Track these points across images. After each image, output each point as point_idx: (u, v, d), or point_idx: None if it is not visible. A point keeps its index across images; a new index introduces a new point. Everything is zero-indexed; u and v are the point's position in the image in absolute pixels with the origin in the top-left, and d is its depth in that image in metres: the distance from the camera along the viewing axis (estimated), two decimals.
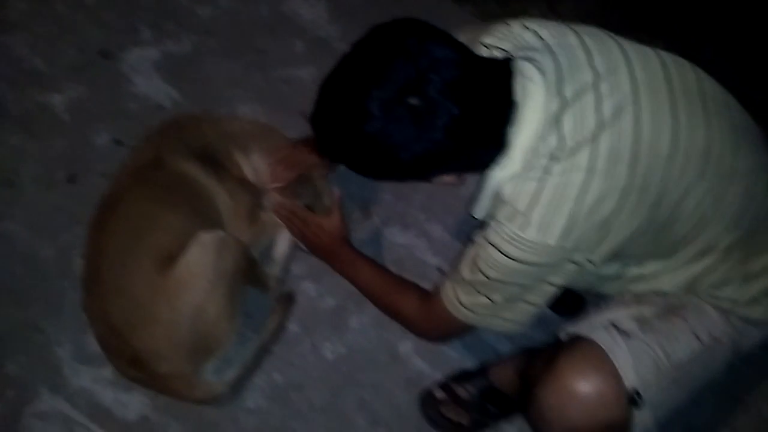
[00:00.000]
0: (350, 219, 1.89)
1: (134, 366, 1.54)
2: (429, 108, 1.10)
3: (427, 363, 1.82)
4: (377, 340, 1.83)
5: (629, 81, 1.21)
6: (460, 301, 1.36)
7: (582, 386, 1.23)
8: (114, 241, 1.57)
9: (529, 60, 1.21)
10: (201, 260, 1.56)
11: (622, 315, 1.35)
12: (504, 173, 1.22)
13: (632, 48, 1.26)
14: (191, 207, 1.68)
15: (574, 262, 1.23)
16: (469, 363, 1.81)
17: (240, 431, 1.66)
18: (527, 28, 1.28)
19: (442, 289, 1.41)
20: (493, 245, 1.23)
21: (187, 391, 1.58)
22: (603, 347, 1.26)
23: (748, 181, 1.29)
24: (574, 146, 1.16)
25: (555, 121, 1.17)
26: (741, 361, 1.44)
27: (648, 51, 1.28)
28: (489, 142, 1.19)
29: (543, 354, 1.49)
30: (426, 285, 1.59)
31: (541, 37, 1.25)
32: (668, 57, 1.29)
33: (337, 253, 1.73)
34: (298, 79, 2.27)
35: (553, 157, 1.17)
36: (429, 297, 1.50)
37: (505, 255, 1.22)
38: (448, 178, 1.26)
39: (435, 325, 1.49)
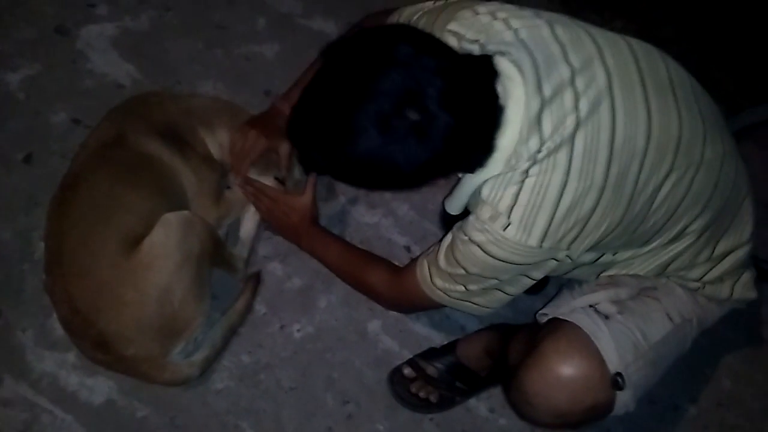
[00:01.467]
0: (317, 198, 1.89)
1: (100, 349, 1.52)
2: (428, 121, 1.07)
3: (395, 341, 1.82)
4: (345, 320, 1.83)
5: (604, 74, 1.21)
6: (434, 283, 1.38)
7: (567, 370, 1.24)
8: (77, 222, 1.53)
9: (505, 55, 1.19)
10: (166, 241, 1.54)
11: (600, 297, 1.37)
12: (484, 174, 1.22)
13: (603, 37, 1.26)
14: (155, 186, 1.65)
15: (554, 260, 1.26)
16: (436, 341, 1.83)
17: (209, 413, 1.65)
18: (496, 18, 1.25)
19: (417, 266, 1.43)
20: (475, 243, 1.25)
21: (154, 373, 1.56)
22: (585, 330, 1.28)
23: (716, 167, 1.32)
24: (553, 147, 1.16)
25: (536, 122, 1.16)
26: (701, 334, 1.48)
27: (618, 40, 1.28)
28: (480, 147, 1.19)
29: (520, 336, 1.51)
30: (394, 263, 1.60)
31: (513, 29, 1.23)
32: (638, 46, 1.29)
33: (307, 232, 1.73)
34: (260, 56, 2.24)
35: (533, 159, 1.17)
36: (400, 271, 1.52)
37: (487, 254, 1.24)
38: (438, 181, 1.27)
39: (404, 298, 1.51)
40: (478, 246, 1.24)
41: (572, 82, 1.18)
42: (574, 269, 1.41)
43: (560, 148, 1.16)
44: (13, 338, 1.64)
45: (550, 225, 1.19)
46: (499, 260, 1.24)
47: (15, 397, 1.58)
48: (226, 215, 1.82)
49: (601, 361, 1.25)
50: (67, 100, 1.99)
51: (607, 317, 1.31)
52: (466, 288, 1.35)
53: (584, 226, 1.21)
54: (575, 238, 1.23)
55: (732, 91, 2.54)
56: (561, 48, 1.21)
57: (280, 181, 1.81)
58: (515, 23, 1.24)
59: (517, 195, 1.19)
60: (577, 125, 1.17)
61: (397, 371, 1.75)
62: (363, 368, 1.78)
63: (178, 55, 2.16)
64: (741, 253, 1.45)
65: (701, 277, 1.42)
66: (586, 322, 1.29)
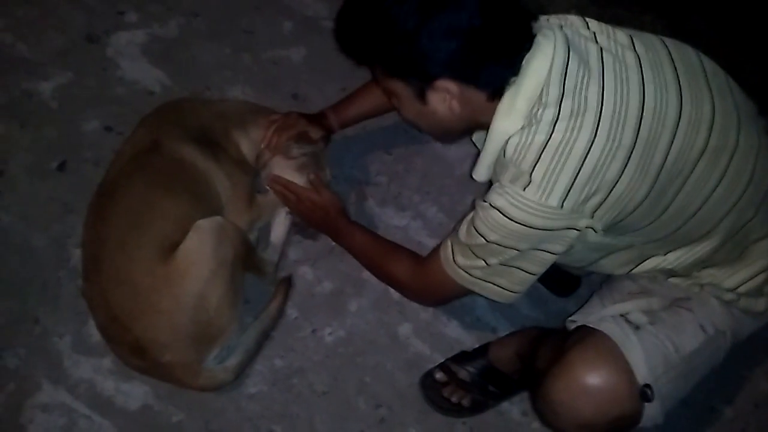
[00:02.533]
0: (346, 200, 1.89)
1: (136, 355, 1.54)
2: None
3: (426, 345, 1.82)
4: (376, 323, 1.83)
5: (633, 54, 1.23)
6: (456, 261, 1.36)
7: (594, 380, 1.22)
8: (113, 229, 1.55)
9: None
10: (200, 248, 1.55)
11: (631, 307, 1.35)
12: (507, 125, 1.22)
13: (636, 33, 1.29)
14: (190, 192, 1.66)
15: (575, 229, 1.22)
16: (468, 344, 1.82)
17: (243, 417, 1.66)
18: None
19: (441, 248, 1.42)
20: (495, 208, 1.23)
21: (189, 379, 1.58)
22: (615, 340, 1.26)
23: (751, 157, 1.30)
24: (579, 106, 1.16)
25: (561, 74, 1.18)
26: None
27: (650, 35, 1.30)
28: (503, 57, 1.20)
29: (549, 341, 1.49)
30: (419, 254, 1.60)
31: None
32: (670, 40, 1.31)
33: (333, 225, 1.74)
34: (287, 60, 2.25)
35: (556, 110, 1.17)
36: (425, 258, 1.51)
37: (506, 217, 1.21)
38: (450, 86, 1.23)
39: (429, 286, 1.49)
40: (499, 210, 1.22)
41: (600, 54, 1.21)
42: (600, 259, 1.40)
43: (587, 107, 1.16)
44: (50, 344, 1.66)
45: (572, 185, 1.16)
46: (518, 223, 1.21)
47: (53, 402, 1.61)
48: (258, 218, 1.83)
49: (630, 373, 1.23)
50: (98, 107, 2.02)
51: (637, 327, 1.29)
52: (486, 263, 1.31)
53: (609, 193, 1.18)
54: (599, 205, 1.20)
55: (763, 85, 2.51)
56: (592, 35, 1.26)
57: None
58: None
59: (540, 152, 1.17)
60: (604, 83, 1.18)
61: (428, 375, 1.75)
62: (395, 372, 1.78)
63: (207, 60, 2.18)
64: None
65: (737, 287, 1.39)
66: (616, 332, 1.28)
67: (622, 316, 1.32)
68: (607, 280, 1.53)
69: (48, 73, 2.05)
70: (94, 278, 1.55)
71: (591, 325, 1.31)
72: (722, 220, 1.31)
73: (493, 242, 1.27)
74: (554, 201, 1.17)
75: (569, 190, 1.17)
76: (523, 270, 1.32)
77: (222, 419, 1.65)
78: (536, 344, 1.56)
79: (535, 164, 1.17)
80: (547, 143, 1.17)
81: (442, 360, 1.77)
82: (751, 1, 2.73)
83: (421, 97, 1.27)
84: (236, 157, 1.80)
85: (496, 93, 1.23)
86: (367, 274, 1.83)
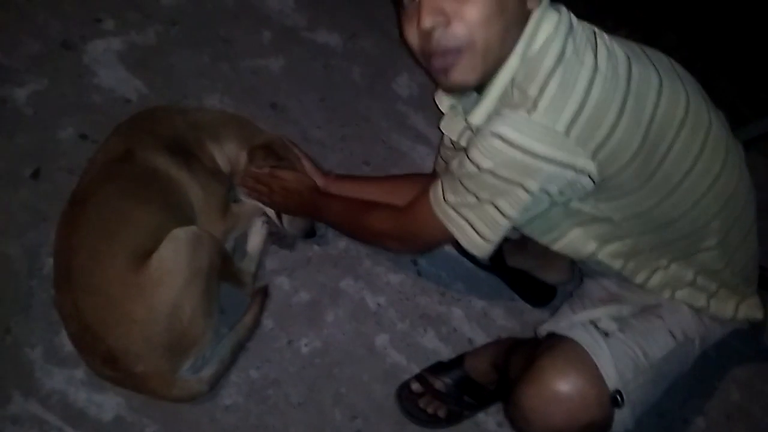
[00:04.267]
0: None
1: (109, 365, 1.52)
2: None
3: (403, 355, 1.82)
4: (353, 334, 1.83)
5: (622, 51, 1.24)
6: (446, 199, 1.34)
7: (564, 387, 1.23)
8: (86, 237, 1.54)
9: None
10: (175, 257, 1.54)
11: (601, 313, 1.37)
12: (517, 59, 1.23)
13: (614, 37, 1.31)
14: (163, 201, 1.66)
15: (572, 169, 1.19)
16: (444, 354, 1.83)
17: (218, 429, 1.64)
18: None
19: (432, 187, 1.39)
20: (496, 134, 1.19)
21: (163, 389, 1.56)
22: (585, 347, 1.27)
23: (720, 151, 1.32)
24: (578, 53, 1.18)
25: (565, 32, 1.21)
26: (711, 346, 1.48)
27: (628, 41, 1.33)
28: None
29: (522, 350, 1.50)
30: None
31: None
32: (646, 47, 1.34)
33: (310, 204, 1.75)
34: (266, 69, 2.25)
35: (560, 54, 1.18)
36: (410, 202, 1.48)
37: (507, 143, 1.18)
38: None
39: (413, 229, 1.47)
40: (500, 137, 1.18)
41: (594, 33, 1.24)
42: (569, 231, 1.38)
43: (586, 52, 1.18)
44: (21, 355, 1.63)
45: (579, 113, 1.15)
46: (519, 149, 1.17)
47: (24, 414, 1.58)
48: (233, 228, 1.82)
49: (600, 379, 1.25)
50: (74, 115, 1.99)
51: (607, 334, 1.30)
52: (477, 197, 1.27)
53: (610, 134, 1.17)
54: (600, 146, 1.17)
55: (735, 100, 2.55)
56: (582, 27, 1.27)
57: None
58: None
59: (548, 78, 1.16)
60: (596, 55, 1.19)
61: (405, 386, 1.75)
62: (371, 383, 1.77)
63: (185, 69, 2.17)
64: (742, 268, 1.45)
65: (708, 296, 1.41)
66: (586, 339, 1.29)
67: (592, 322, 1.34)
68: (579, 287, 1.55)
69: (23, 80, 2.03)
70: (66, 287, 1.53)
71: (561, 333, 1.33)
72: (693, 207, 1.32)
73: (485, 170, 1.22)
74: (561, 127, 1.15)
75: (576, 119, 1.15)
76: (500, 212, 1.28)
77: (196, 431, 1.63)
78: (509, 355, 1.57)
79: (543, 89, 1.16)
80: (554, 70, 1.16)
81: (419, 371, 1.77)
82: (724, 20, 2.78)
83: None
84: (211, 167, 1.80)
85: None
86: (344, 284, 1.82)
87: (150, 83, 2.11)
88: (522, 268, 1.93)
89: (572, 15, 1.26)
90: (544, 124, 1.15)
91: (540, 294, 1.95)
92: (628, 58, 1.22)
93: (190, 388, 1.58)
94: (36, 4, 2.17)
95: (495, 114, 1.24)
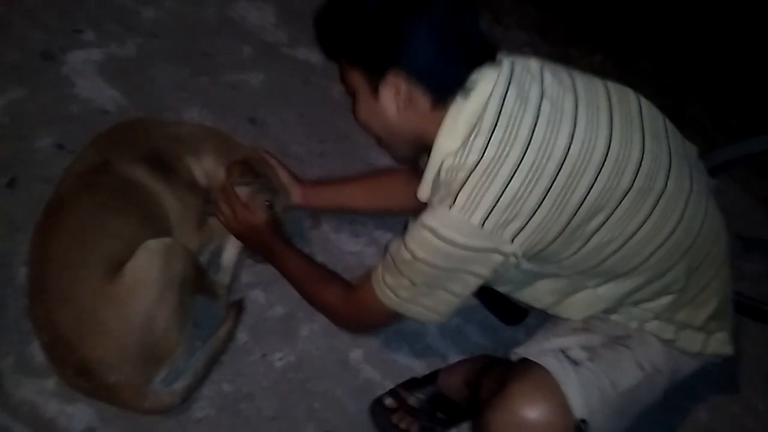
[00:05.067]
0: (302, 226, 1.90)
1: (81, 376, 1.51)
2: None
3: (377, 371, 1.83)
4: (327, 349, 1.83)
5: (572, 95, 1.27)
6: (385, 281, 1.38)
7: (531, 414, 1.24)
8: (60, 247, 1.53)
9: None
10: (148, 268, 1.54)
11: (571, 342, 1.37)
12: (447, 143, 1.27)
13: (580, 74, 1.35)
14: (139, 212, 1.65)
15: (499, 253, 1.25)
16: (418, 370, 1.83)
17: None
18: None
19: (373, 271, 1.43)
20: (426, 227, 1.26)
21: (135, 401, 1.55)
22: (554, 375, 1.28)
23: (680, 202, 1.33)
24: (509, 136, 1.21)
25: (498, 104, 1.23)
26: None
27: (595, 79, 1.36)
28: (454, 63, 1.25)
29: (493, 372, 1.51)
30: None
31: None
32: (613, 84, 1.36)
33: (266, 245, 1.74)
34: (245, 84, 2.26)
35: (488, 137, 1.22)
36: (356, 285, 1.51)
37: (434, 235, 1.24)
38: (400, 83, 1.27)
39: (358, 310, 1.50)
40: (429, 229, 1.25)
41: (540, 96, 1.26)
42: (528, 286, 1.42)
43: (517, 138, 1.21)
44: None
45: (494, 206, 1.20)
46: (443, 241, 1.24)
47: None
48: (209, 241, 1.83)
49: (566, 407, 1.25)
50: (51, 125, 1.99)
51: (576, 363, 1.31)
52: (412, 282, 1.33)
53: (528, 220, 1.22)
54: (518, 231, 1.22)
55: (707, 125, 2.60)
56: (541, 74, 1.30)
57: (270, 205, 1.81)
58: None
59: (468, 174, 1.22)
60: (537, 119, 1.22)
61: (378, 401, 1.75)
62: (344, 398, 1.77)
63: (164, 82, 2.18)
64: (713, 305, 1.45)
65: (677, 329, 1.43)
66: (555, 367, 1.30)
67: (562, 351, 1.34)
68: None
69: (1, 88, 2.02)
70: (40, 297, 1.52)
71: (532, 358, 1.33)
72: (648, 259, 1.34)
73: (420, 259, 1.28)
74: (476, 220, 1.21)
75: (491, 211, 1.20)
76: (448, 291, 1.34)
77: None
78: (482, 374, 1.58)
79: (463, 185, 1.22)
80: (476, 166, 1.21)
81: (392, 386, 1.78)
82: (698, 47, 2.84)
83: (375, 92, 1.32)
84: (188, 179, 1.79)
85: (440, 100, 1.28)
86: None
87: (129, 95, 2.11)
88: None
89: (516, 70, 1.29)
90: (460, 218, 1.22)
91: (513, 313, 1.96)
92: (573, 131, 1.23)
93: (162, 400, 1.57)
94: (16, 14, 2.17)
95: (432, 193, 1.32)
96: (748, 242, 2.22)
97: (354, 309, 1.51)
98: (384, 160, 2.21)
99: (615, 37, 2.89)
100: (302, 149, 2.17)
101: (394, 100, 1.31)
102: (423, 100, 1.29)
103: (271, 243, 1.72)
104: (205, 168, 1.84)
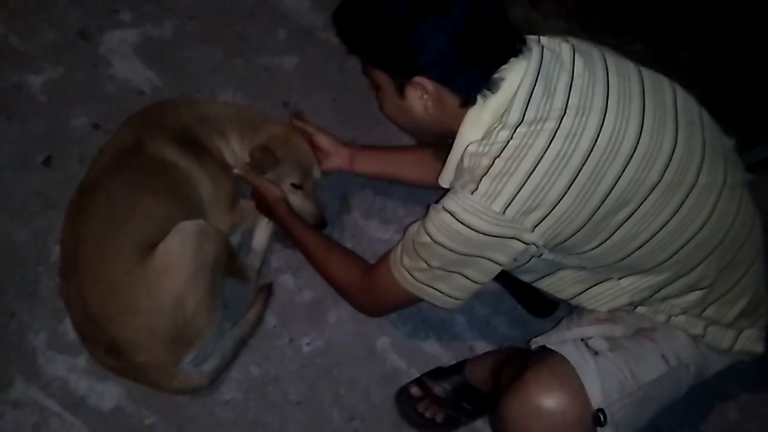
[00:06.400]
0: (330, 211, 1.90)
1: (111, 355, 1.53)
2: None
3: (403, 359, 1.83)
4: (354, 335, 1.84)
5: (603, 88, 1.25)
6: (403, 263, 1.39)
7: (547, 402, 1.23)
8: (93, 227, 1.55)
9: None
10: (181, 249, 1.55)
11: (593, 332, 1.36)
12: (471, 133, 1.27)
13: (613, 59, 1.31)
14: (172, 193, 1.67)
15: (519, 240, 1.24)
16: (445, 360, 1.83)
17: (216, 424, 1.65)
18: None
19: (391, 251, 1.45)
20: (447, 211, 1.26)
21: (164, 381, 1.57)
22: (572, 364, 1.26)
23: (711, 196, 1.30)
24: (535, 127, 1.20)
25: (524, 99, 1.22)
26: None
27: (628, 63, 1.33)
28: (480, 66, 1.24)
29: (513, 361, 1.50)
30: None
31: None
32: (648, 71, 1.33)
33: (275, 216, 1.76)
34: (279, 68, 2.25)
35: (513, 129, 1.21)
36: (374, 264, 1.53)
37: (455, 219, 1.25)
38: (427, 84, 1.26)
39: (374, 291, 1.51)
40: (450, 213, 1.25)
41: (569, 85, 1.24)
42: (550, 274, 1.42)
43: (543, 129, 1.20)
44: (25, 340, 1.65)
45: (516, 194, 1.20)
46: (463, 225, 1.24)
47: (25, 398, 1.59)
48: (240, 223, 1.84)
49: (584, 397, 1.24)
50: (87, 104, 2.01)
51: (596, 353, 1.29)
52: (428, 264, 1.33)
53: (550, 211, 1.21)
54: (539, 221, 1.22)
55: (746, 120, 2.54)
56: (571, 60, 1.28)
57: (297, 186, 1.82)
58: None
59: (492, 161, 1.21)
60: (565, 109, 1.21)
61: (404, 390, 1.75)
62: (370, 385, 1.78)
63: (199, 63, 2.18)
64: (743, 301, 1.42)
65: (706, 325, 1.40)
66: (574, 356, 1.28)
67: (583, 340, 1.33)
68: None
69: (38, 67, 2.04)
70: (72, 276, 1.54)
71: (551, 347, 1.32)
72: (675, 254, 1.32)
73: (438, 243, 1.29)
74: (497, 207, 1.21)
75: (513, 199, 1.20)
76: (465, 276, 1.34)
77: (195, 424, 1.64)
78: (504, 363, 1.57)
79: (486, 171, 1.22)
80: (500, 153, 1.21)
81: (418, 375, 1.78)
82: (739, 39, 2.77)
83: (401, 91, 1.31)
84: (219, 159, 1.80)
85: (468, 100, 1.27)
86: None
87: (164, 76, 2.12)
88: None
89: (546, 57, 1.27)
90: (482, 204, 1.22)
91: (543, 305, 1.94)
92: (602, 120, 1.21)
93: (191, 380, 1.59)
94: None
95: (455, 178, 1.31)
96: None
97: (370, 288, 1.52)
98: None
99: (654, 27, 2.83)
100: (334, 134, 2.16)
101: (421, 100, 1.30)
102: (452, 100, 1.28)
103: (279, 214, 1.74)
104: (233, 148, 1.85)
